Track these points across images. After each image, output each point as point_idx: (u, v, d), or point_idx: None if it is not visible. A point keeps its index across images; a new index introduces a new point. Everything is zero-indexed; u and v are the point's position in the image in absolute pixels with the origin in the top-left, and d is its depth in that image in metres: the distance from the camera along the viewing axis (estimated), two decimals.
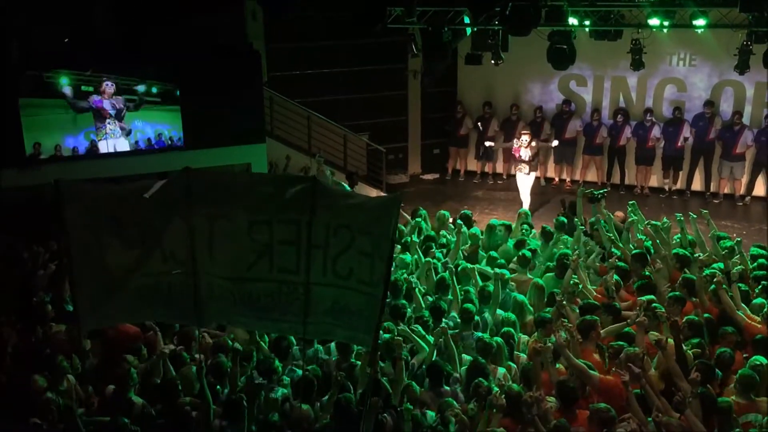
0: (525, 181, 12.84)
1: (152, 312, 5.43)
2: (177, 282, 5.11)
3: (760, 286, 7.36)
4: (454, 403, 5.55)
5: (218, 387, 5.95)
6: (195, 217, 5.01)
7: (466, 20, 11.70)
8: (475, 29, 12.05)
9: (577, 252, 8.35)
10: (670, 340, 5.95)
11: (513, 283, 7.90)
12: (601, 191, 9.74)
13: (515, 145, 12.83)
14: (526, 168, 12.73)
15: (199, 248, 5.05)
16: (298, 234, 4.96)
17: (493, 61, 12.30)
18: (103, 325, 6.02)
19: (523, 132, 13.09)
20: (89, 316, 5.12)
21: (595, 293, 7.46)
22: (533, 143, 12.74)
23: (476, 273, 7.94)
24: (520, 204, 12.41)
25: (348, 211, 4.95)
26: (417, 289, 7.60)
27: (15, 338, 6.63)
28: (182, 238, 5.03)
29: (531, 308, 7.56)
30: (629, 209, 9.50)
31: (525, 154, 12.67)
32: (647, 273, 7.71)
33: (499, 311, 7.33)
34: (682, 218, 9.11)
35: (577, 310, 7.02)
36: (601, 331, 6.54)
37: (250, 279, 5.09)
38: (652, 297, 7.04)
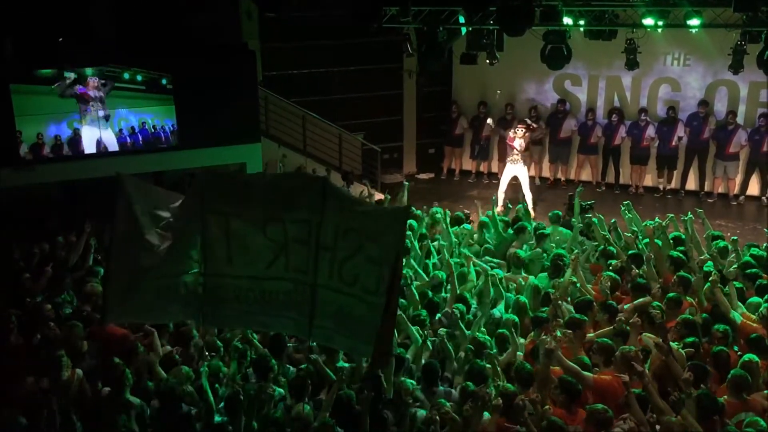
0: (513, 171, 12.74)
1: (168, 312, 5.47)
2: (191, 281, 5.16)
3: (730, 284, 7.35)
4: (447, 403, 5.53)
5: (216, 385, 5.95)
6: (209, 218, 5.06)
7: (461, 20, 11.71)
8: (470, 29, 12.04)
9: (576, 251, 8.35)
10: (673, 344, 5.96)
11: (511, 283, 7.91)
12: (589, 203, 9.75)
13: (510, 134, 12.79)
14: (517, 157, 12.67)
15: (212, 249, 5.11)
16: (309, 234, 5.01)
17: (488, 61, 12.30)
18: (123, 320, 6.10)
19: (519, 125, 13.01)
20: (115, 309, 5.22)
21: (593, 292, 7.47)
22: (527, 134, 12.71)
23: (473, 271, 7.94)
24: (514, 202, 12.18)
25: (357, 215, 4.96)
26: (413, 286, 7.60)
27: (15, 337, 6.61)
28: (197, 239, 5.08)
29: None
30: (623, 209, 9.51)
31: (518, 144, 12.62)
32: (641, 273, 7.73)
33: (496, 311, 7.32)
34: (680, 216, 9.13)
35: (572, 309, 7.04)
36: (591, 334, 6.55)
37: (269, 277, 5.14)
38: (645, 298, 7.06)
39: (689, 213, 9.01)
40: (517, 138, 12.64)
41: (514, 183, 14.84)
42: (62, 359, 5.90)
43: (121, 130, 11.69)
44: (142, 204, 5.20)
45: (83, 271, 8.06)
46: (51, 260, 8.11)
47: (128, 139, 11.77)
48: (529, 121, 13.13)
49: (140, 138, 11.85)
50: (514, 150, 12.69)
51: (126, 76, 11.56)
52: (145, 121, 11.83)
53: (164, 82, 11.74)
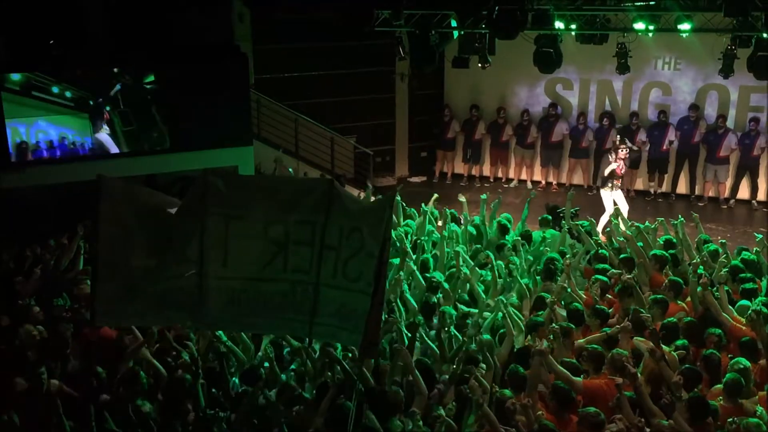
0: (612, 196, 11.79)
1: (163, 316, 5.45)
2: (187, 283, 5.15)
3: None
4: (441, 411, 5.53)
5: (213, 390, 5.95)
6: (209, 218, 5.07)
7: (453, 23, 11.74)
8: (462, 32, 12.08)
9: (568, 255, 8.37)
10: (666, 347, 5.98)
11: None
12: (573, 210, 9.76)
13: (616, 165, 11.75)
14: (619, 183, 11.80)
15: (209, 250, 5.10)
16: (313, 234, 5.03)
17: (480, 65, 12.33)
18: (116, 324, 6.11)
19: (620, 146, 11.97)
20: (105, 311, 5.18)
21: (585, 297, 7.47)
22: (627, 155, 11.85)
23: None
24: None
25: (359, 214, 5.00)
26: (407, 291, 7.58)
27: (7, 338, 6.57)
28: (195, 239, 5.09)
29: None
30: (612, 214, 9.52)
31: (621, 167, 11.77)
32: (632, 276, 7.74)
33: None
34: (670, 220, 9.14)
35: (564, 314, 7.05)
36: (582, 341, 6.56)
37: (265, 279, 5.14)
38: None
39: (680, 216, 9.04)
40: (622, 160, 11.78)
41: (506, 186, 15.04)
42: (42, 376, 5.81)
43: (38, 142, 11.42)
44: (128, 205, 5.18)
45: (74, 273, 8.04)
46: (42, 263, 8.07)
47: (45, 153, 11.52)
48: (628, 142, 12.31)
49: (58, 153, 11.57)
50: (618, 174, 11.74)
51: (55, 90, 11.33)
52: (65, 136, 11.58)
53: (91, 102, 11.58)
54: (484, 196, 10.04)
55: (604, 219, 11.27)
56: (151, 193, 5.59)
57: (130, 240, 5.15)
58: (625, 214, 10.97)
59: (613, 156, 11.94)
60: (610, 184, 11.85)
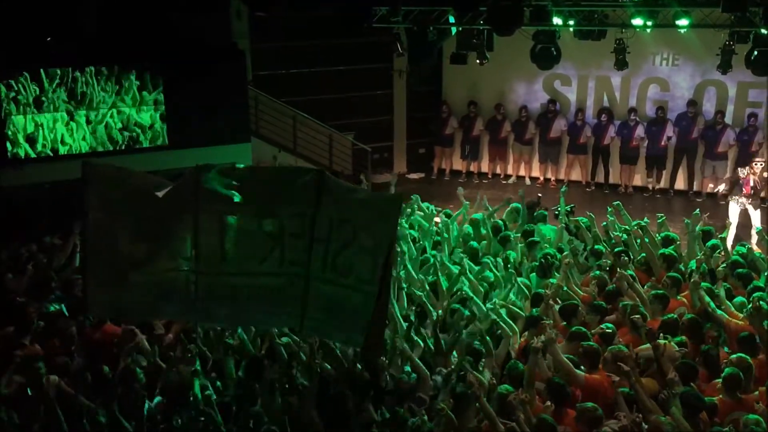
0: (739, 211, 10.96)
1: (157, 309, 5.45)
2: (181, 279, 5.13)
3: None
4: (442, 404, 5.53)
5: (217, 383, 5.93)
6: (203, 214, 5.03)
7: (451, 20, 11.74)
8: (460, 29, 12.07)
9: (565, 252, 8.36)
10: (662, 341, 5.97)
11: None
12: (568, 207, 9.79)
13: (741, 174, 11.01)
14: (745, 200, 10.86)
15: (204, 246, 5.08)
16: (304, 226, 5.00)
17: (477, 61, 12.33)
18: (111, 315, 6.08)
19: (757, 159, 11.28)
20: (98, 301, 5.19)
21: (582, 293, 7.46)
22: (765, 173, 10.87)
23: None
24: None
25: (352, 205, 4.98)
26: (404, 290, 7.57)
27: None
28: (189, 236, 5.06)
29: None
30: (609, 211, 9.49)
31: (753, 182, 10.83)
32: (629, 272, 7.72)
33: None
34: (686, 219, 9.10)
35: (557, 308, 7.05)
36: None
37: (263, 273, 5.14)
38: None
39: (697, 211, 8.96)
40: (752, 176, 10.90)
41: (505, 183, 15.03)
42: (40, 370, 5.76)
43: None
44: (114, 190, 5.15)
45: (70, 271, 8.02)
46: (35, 261, 8.05)
47: None
48: (764, 164, 11.08)
49: None
50: (748, 192, 10.83)
51: None
52: None
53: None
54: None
55: (731, 233, 10.16)
56: (138, 176, 5.53)
57: (116, 225, 5.13)
58: (754, 232, 10.25)
59: (748, 169, 11.02)
60: (736, 196, 10.99)
